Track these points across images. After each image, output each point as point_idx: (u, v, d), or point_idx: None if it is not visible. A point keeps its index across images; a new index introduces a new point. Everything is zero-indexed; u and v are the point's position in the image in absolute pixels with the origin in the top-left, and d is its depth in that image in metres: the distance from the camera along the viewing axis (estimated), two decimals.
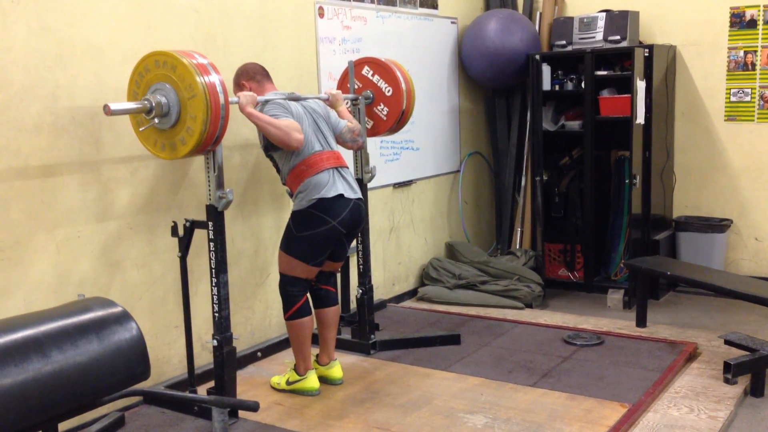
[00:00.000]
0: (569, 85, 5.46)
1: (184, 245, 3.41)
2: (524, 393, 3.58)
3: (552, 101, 5.63)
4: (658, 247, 5.26)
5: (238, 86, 3.65)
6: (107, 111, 2.93)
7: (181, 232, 3.40)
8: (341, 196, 3.50)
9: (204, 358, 3.83)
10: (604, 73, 5.25)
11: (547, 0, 5.81)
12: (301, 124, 3.47)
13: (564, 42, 5.46)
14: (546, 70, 5.46)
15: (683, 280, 4.53)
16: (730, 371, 3.60)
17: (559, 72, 5.51)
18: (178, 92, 3.01)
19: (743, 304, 4.70)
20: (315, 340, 4.38)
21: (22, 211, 3.10)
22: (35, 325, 2.37)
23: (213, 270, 3.26)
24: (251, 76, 3.64)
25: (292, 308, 3.60)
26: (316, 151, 3.51)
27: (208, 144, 3.06)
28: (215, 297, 3.28)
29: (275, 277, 4.31)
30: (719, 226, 5.35)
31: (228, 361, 3.32)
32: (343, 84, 4.24)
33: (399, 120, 4.18)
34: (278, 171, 3.65)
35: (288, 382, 3.67)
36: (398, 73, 4.13)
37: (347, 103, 4.04)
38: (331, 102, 3.81)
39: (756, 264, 5.41)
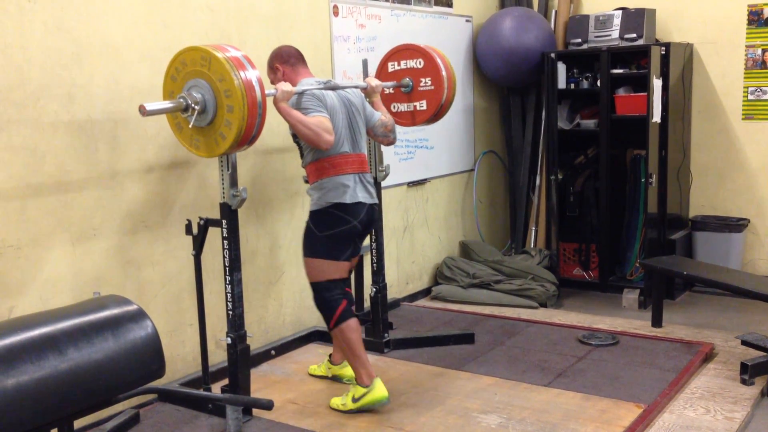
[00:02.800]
0: (585, 84, 5.43)
1: (198, 243, 3.42)
2: (538, 393, 3.57)
3: (567, 100, 5.60)
4: (674, 247, 5.22)
5: (272, 69, 3.52)
6: (143, 112, 2.87)
7: (195, 230, 3.41)
8: (360, 203, 3.40)
9: (218, 356, 3.84)
10: (620, 71, 5.22)
11: None
12: (334, 119, 3.34)
13: (579, 40, 5.44)
14: (561, 68, 5.44)
15: (699, 279, 4.49)
16: (747, 372, 3.58)
17: (575, 70, 5.49)
18: (213, 88, 2.94)
19: (760, 304, 4.65)
20: (324, 338, 4.40)
21: (39, 210, 3.13)
22: (52, 322, 2.38)
23: (227, 268, 3.27)
24: (285, 59, 3.50)
25: (335, 314, 3.39)
26: (344, 152, 3.39)
27: (246, 140, 3.00)
28: (229, 295, 3.28)
29: (289, 276, 4.34)
30: (736, 225, 5.30)
31: (242, 359, 3.32)
32: (379, 75, 4.12)
33: (438, 110, 4.02)
34: (301, 155, 3.51)
35: (354, 399, 3.39)
36: (439, 60, 3.98)
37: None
38: (368, 92, 3.68)
39: None
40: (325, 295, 3.41)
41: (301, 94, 3.30)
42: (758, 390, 3.55)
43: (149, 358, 2.54)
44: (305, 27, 4.32)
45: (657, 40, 5.38)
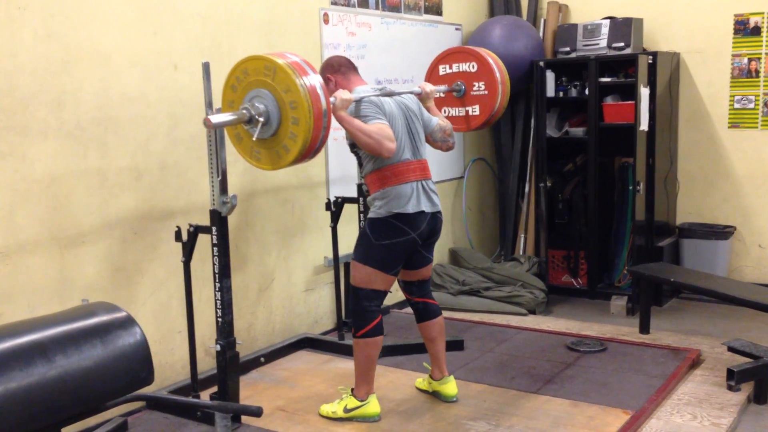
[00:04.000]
0: (573, 92, 5.47)
1: (188, 250, 3.41)
2: (527, 400, 3.58)
3: (556, 108, 5.64)
4: (661, 254, 5.26)
5: (324, 81, 3.33)
6: (209, 125, 2.83)
7: (184, 237, 3.41)
8: (422, 212, 3.31)
9: (207, 364, 3.83)
10: (608, 79, 5.26)
11: (552, 7, 5.82)
12: (394, 125, 3.25)
13: (568, 49, 5.48)
14: (550, 76, 5.47)
15: (687, 286, 4.52)
16: (734, 378, 3.60)
17: (563, 78, 5.52)
18: (278, 99, 2.84)
19: (746, 311, 4.68)
20: (313, 344, 4.40)
21: (27, 216, 3.12)
22: (40, 329, 2.37)
23: (216, 275, 3.27)
24: (336, 68, 3.42)
25: (368, 325, 3.31)
26: (405, 159, 3.30)
27: (311, 152, 2.90)
28: (218, 302, 3.28)
29: (279, 283, 4.34)
30: (723, 233, 5.34)
31: (231, 366, 3.32)
32: (429, 78, 4.04)
33: (491, 115, 3.91)
34: (360, 165, 3.43)
35: (346, 410, 3.37)
36: (492, 64, 3.86)
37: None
38: (422, 97, 3.57)
39: (759, 271, 5.41)
40: (365, 303, 3.33)
41: (358, 101, 3.22)
42: (744, 396, 3.58)
43: (138, 365, 2.54)
44: (296, 35, 4.34)
45: (644, 49, 5.42)
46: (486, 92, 3.91)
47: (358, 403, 3.37)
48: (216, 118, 2.87)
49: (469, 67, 3.93)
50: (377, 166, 3.29)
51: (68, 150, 3.25)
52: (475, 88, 3.93)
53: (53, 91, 3.18)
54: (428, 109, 3.58)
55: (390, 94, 3.37)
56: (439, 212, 3.44)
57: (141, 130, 3.54)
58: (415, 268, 3.52)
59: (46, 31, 3.14)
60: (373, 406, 3.37)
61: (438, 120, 3.54)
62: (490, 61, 3.90)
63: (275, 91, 2.85)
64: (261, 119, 2.87)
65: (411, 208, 3.28)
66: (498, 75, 3.88)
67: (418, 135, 3.41)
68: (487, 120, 3.97)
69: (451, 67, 3.99)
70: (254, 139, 2.91)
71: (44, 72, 3.14)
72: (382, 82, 4.94)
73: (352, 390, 3.41)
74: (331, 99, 3.09)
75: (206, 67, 3.14)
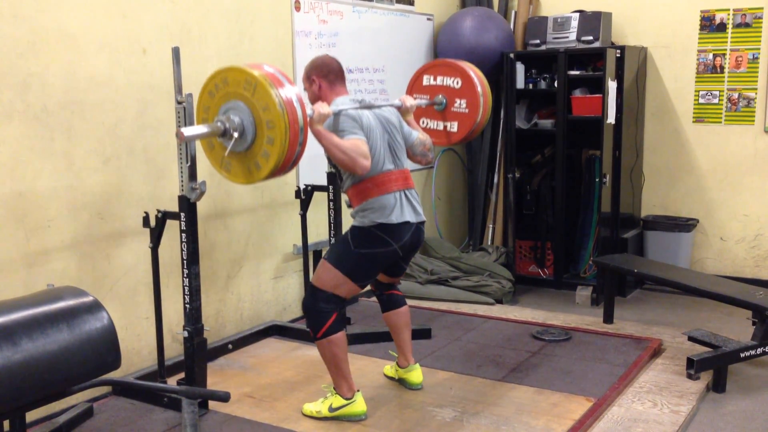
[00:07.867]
0: (542, 84, 5.52)
1: (156, 236, 3.40)
2: (493, 387, 3.63)
3: (525, 100, 5.69)
4: (626, 246, 5.35)
5: (308, 79, 3.35)
6: (180, 137, 2.78)
7: (152, 222, 3.39)
8: (407, 222, 3.24)
9: (174, 350, 3.82)
10: (577, 72, 5.32)
11: None
12: (372, 138, 3.18)
13: (538, 41, 5.52)
14: (520, 68, 5.52)
15: (650, 277, 4.60)
16: (693, 367, 3.68)
17: (533, 71, 5.57)
18: (255, 116, 2.78)
19: (707, 302, 4.79)
20: (281, 332, 4.40)
21: None
22: (5, 313, 2.35)
23: (185, 261, 3.25)
24: (324, 73, 3.32)
25: (324, 325, 3.22)
26: (386, 170, 3.24)
27: (282, 171, 2.86)
28: (186, 288, 3.27)
29: (248, 270, 4.33)
30: (686, 225, 5.45)
31: (198, 353, 3.32)
32: (412, 86, 3.98)
33: (469, 134, 3.88)
34: (340, 178, 3.37)
35: (331, 409, 3.28)
36: (477, 83, 3.82)
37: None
38: (402, 110, 3.52)
39: (720, 263, 5.53)
40: (321, 305, 3.24)
41: (336, 114, 3.15)
42: (703, 384, 3.66)
43: (105, 349, 2.53)
44: (267, 21, 4.32)
45: (613, 43, 5.49)
46: (467, 110, 3.85)
47: (344, 402, 3.28)
48: (189, 131, 2.82)
49: (453, 82, 3.87)
50: (358, 179, 3.23)
51: (34, 133, 3.20)
52: (456, 105, 3.87)
53: (19, 73, 3.13)
54: (407, 123, 3.53)
55: (369, 107, 3.31)
56: (423, 222, 3.36)
57: (109, 115, 3.50)
58: (390, 275, 3.53)
59: (12, 12, 3.09)
60: (359, 404, 3.29)
61: (418, 134, 3.50)
62: (475, 79, 3.84)
63: (253, 107, 2.79)
64: (235, 134, 2.81)
65: (395, 218, 3.21)
66: (481, 96, 3.83)
67: (398, 145, 3.35)
68: (465, 137, 3.94)
69: (435, 79, 3.92)
70: (226, 154, 2.86)
71: (10, 54, 3.10)
72: (353, 71, 4.95)
73: (335, 388, 3.33)
74: (309, 112, 3.02)
75: (176, 52, 3.12)
